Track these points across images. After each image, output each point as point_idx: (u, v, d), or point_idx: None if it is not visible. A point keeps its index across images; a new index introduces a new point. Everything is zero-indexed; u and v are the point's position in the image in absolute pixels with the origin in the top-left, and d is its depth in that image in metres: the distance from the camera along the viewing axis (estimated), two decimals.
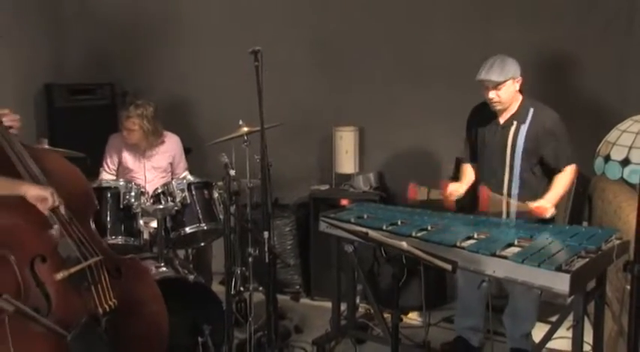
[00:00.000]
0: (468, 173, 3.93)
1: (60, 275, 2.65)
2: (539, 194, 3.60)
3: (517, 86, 3.60)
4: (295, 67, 5.18)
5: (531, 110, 3.61)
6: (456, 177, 4.71)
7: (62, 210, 2.76)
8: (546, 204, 3.47)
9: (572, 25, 4.56)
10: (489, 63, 3.54)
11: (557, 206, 3.63)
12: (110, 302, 2.80)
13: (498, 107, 3.62)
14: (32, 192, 2.65)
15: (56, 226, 2.75)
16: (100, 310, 2.76)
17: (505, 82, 3.51)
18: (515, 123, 3.62)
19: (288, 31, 5.18)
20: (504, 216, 3.66)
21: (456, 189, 3.76)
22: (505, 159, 3.64)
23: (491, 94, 3.56)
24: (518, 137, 3.60)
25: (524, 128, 3.60)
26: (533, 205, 3.47)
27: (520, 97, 3.65)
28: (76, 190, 2.96)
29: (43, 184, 2.74)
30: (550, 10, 4.61)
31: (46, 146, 3.71)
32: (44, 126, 5.24)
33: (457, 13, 4.86)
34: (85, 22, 5.63)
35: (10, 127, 2.84)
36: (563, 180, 3.58)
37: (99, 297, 2.77)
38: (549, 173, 3.68)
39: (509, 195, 3.63)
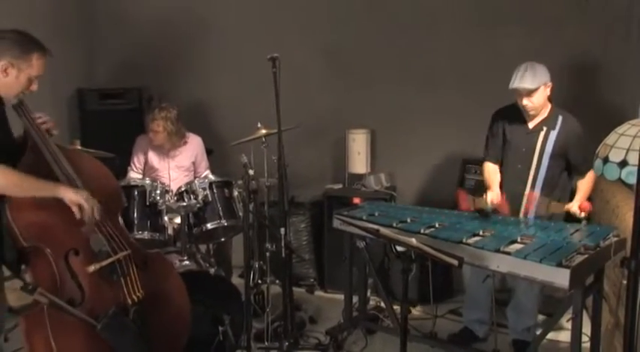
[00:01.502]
0: (493, 171, 3.88)
1: (92, 268, 2.70)
2: (557, 194, 3.63)
3: (548, 91, 3.59)
4: (311, 73, 5.18)
5: (560, 117, 3.61)
6: (462, 177, 4.74)
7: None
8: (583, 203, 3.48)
9: (573, 32, 4.55)
10: (521, 71, 3.51)
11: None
12: (138, 293, 2.85)
13: (532, 112, 3.61)
14: (69, 195, 2.68)
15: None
16: (129, 300, 2.81)
17: (538, 88, 3.51)
18: (545, 128, 3.61)
19: (304, 38, 5.18)
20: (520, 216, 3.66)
21: (494, 198, 3.69)
22: (532, 162, 3.64)
23: (525, 101, 3.55)
24: (548, 141, 3.60)
25: (553, 134, 3.59)
26: (574, 206, 3.46)
27: (549, 104, 3.64)
28: (106, 188, 2.99)
29: (77, 186, 2.78)
30: (552, 17, 4.59)
31: (79, 147, 3.75)
32: (76, 129, 5.27)
33: (464, 21, 4.85)
34: (115, 31, 5.65)
35: (49, 131, 2.90)
36: (587, 181, 3.59)
37: (127, 289, 2.82)
38: (569, 175, 3.72)
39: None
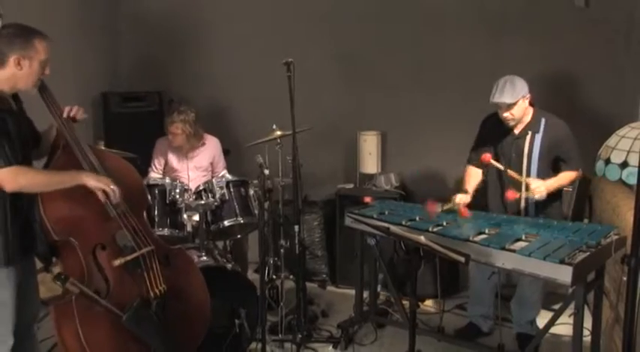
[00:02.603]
0: (474, 174, 3.91)
1: (117, 262, 2.76)
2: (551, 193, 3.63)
3: (527, 102, 3.61)
4: (324, 77, 5.20)
5: (543, 120, 3.62)
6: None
7: (120, 204, 2.85)
8: (541, 186, 3.48)
9: (576, 40, 4.55)
10: (500, 85, 3.54)
11: (555, 199, 3.69)
12: (160, 288, 2.89)
13: (512, 124, 3.64)
14: (91, 181, 2.74)
15: (114, 218, 2.84)
16: (152, 294, 2.85)
17: (517, 102, 3.53)
18: (530, 132, 3.63)
19: (317, 44, 5.20)
20: (522, 207, 3.68)
21: (462, 200, 3.73)
22: (522, 166, 3.65)
23: (506, 114, 3.58)
24: (534, 145, 3.61)
25: (538, 137, 3.61)
26: (531, 183, 3.48)
27: (531, 110, 3.66)
28: (132, 186, 3.03)
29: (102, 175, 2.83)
30: (555, 26, 4.59)
31: (103, 147, 3.80)
32: (101, 130, 5.32)
33: (471, 30, 4.86)
34: (136, 37, 5.72)
35: (74, 119, 2.95)
36: (566, 176, 3.60)
37: (150, 283, 2.87)
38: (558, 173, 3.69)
39: (526, 197, 3.62)
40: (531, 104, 3.65)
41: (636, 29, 4.28)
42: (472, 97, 4.74)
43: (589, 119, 4.00)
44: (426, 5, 4.99)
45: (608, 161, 2.64)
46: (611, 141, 2.72)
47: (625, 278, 2.31)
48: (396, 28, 5.07)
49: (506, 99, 3.51)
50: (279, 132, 4.11)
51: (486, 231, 3.31)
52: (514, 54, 4.67)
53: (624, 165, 2.57)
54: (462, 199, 3.73)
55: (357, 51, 5.21)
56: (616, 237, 3.10)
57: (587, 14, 4.51)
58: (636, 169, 2.39)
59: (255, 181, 3.89)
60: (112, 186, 2.79)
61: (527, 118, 3.65)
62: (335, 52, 5.25)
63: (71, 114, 2.94)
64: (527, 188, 3.54)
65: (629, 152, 2.56)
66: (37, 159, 2.96)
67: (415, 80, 5.08)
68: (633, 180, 2.44)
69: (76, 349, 2.69)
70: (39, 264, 2.94)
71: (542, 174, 3.63)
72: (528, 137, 3.63)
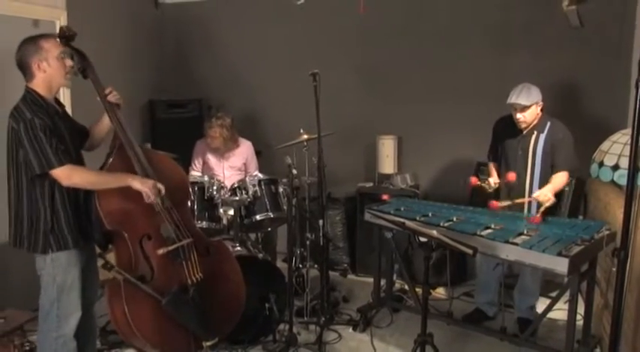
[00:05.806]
0: (496, 168, 3.97)
1: (161, 251, 2.82)
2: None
3: (539, 110, 3.65)
4: (346, 87, 5.21)
5: (548, 123, 3.65)
6: (478, 174, 4.77)
7: (164, 199, 2.90)
8: (547, 192, 3.50)
9: (573, 56, 4.52)
10: (518, 89, 3.59)
11: (556, 198, 3.65)
12: (197, 276, 2.93)
13: (523, 126, 3.67)
14: (136, 184, 2.79)
15: (159, 213, 2.90)
16: (189, 281, 2.90)
17: (531, 106, 3.57)
18: (535, 132, 3.66)
19: (340, 56, 5.22)
20: (525, 212, 3.69)
21: (496, 181, 3.80)
22: (527, 162, 3.68)
23: (519, 115, 3.62)
24: (538, 144, 3.65)
25: (542, 137, 3.64)
26: (537, 195, 3.52)
27: (539, 114, 3.68)
28: (177, 183, 3.07)
29: (150, 175, 2.88)
30: (554, 42, 4.55)
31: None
32: (148, 134, 5.42)
33: (481, 44, 4.84)
34: (179, 52, 5.80)
35: (118, 105, 2.97)
36: (559, 178, 3.60)
37: (188, 271, 2.91)
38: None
39: (530, 191, 3.67)
40: (541, 110, 3.68)
41: (624, 46, 4.24)
42: (480, 105, 4.77)
43: (585, 126, 3.98)
44: (438, 24, 4.97)
45: (601, 164, 2.65)
46: (605, 145, 2.73)
47: (614, 269, 2.33)
48: (412, 42, 5.06)
49: (522, 101, 3.56)
50: (305, 136, 4.16)
51: (492, 226, 3.32)
52: (517, 67, 4.65)
53: (616, 167, 2.58)
54: (495, 180, 3.80)
55: (377, 63, 5.21)
56: (607, 232, 3.12)
57: (582, 33, 4.46)
58: (626, 171, 2.41)
59: (285, 180, 3.96)
60: (156, 186, 2.83)
61: (535, 120, 3.68)
62: (357, 65, 5.25)
63: (113, 100, 2.96)
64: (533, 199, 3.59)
65: (620, 156, 2.57)
66: (89, 151, 3.03)
67: (428, 90, 5.07)
68: (623, 181, 2.46)
69: (123, 324, 2.76)
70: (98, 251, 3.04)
71: (544, 171, 3.66)
72: (533, 136, 3.67)
